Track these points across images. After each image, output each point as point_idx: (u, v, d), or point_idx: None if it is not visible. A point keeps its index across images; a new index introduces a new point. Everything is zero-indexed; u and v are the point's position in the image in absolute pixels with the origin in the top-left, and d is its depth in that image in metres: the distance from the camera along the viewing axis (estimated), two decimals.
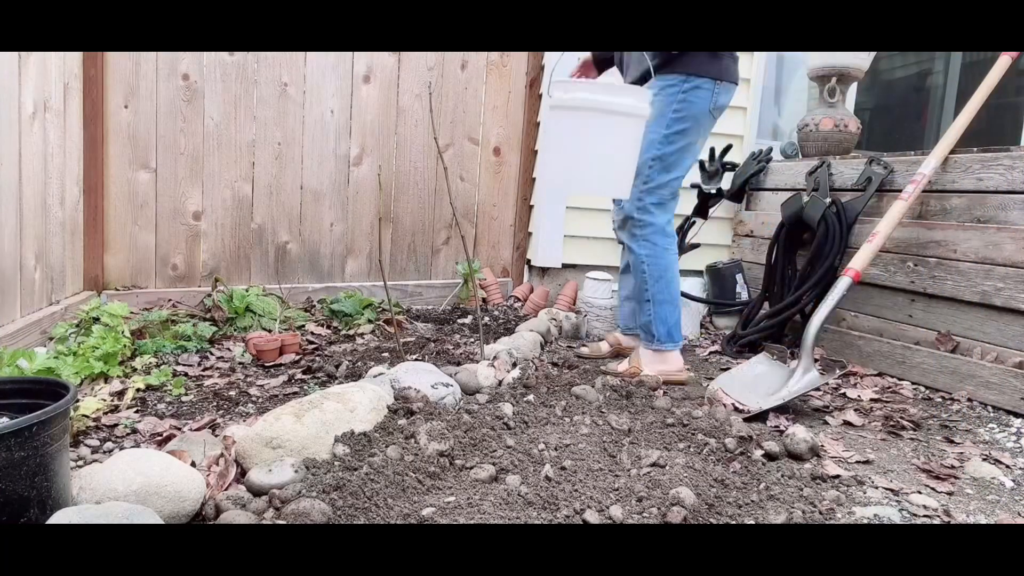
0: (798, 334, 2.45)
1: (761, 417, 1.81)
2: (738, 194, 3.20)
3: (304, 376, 2.11)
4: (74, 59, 2.51)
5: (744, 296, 3.02)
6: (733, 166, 3.25)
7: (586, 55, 2.14)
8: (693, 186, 3.04)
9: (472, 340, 2.50)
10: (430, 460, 1.36)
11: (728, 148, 3.18)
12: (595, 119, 1.78)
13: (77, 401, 1.66)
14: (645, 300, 2.12)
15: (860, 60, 2.94)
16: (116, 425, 1.64)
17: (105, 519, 1.02)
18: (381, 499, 1.20)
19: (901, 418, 1.85)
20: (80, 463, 1.43)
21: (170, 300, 2.82)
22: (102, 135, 2.69)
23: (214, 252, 2.94)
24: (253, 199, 2.96)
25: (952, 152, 2.25)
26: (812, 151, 3.01)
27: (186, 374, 2.08)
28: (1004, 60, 2.37)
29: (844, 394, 2.08)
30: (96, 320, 2.21)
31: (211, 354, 2.30)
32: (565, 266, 3.23)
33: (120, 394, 1.84)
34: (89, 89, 2.61)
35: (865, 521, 1.27)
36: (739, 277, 3.02)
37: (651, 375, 2.07)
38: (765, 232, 3.04)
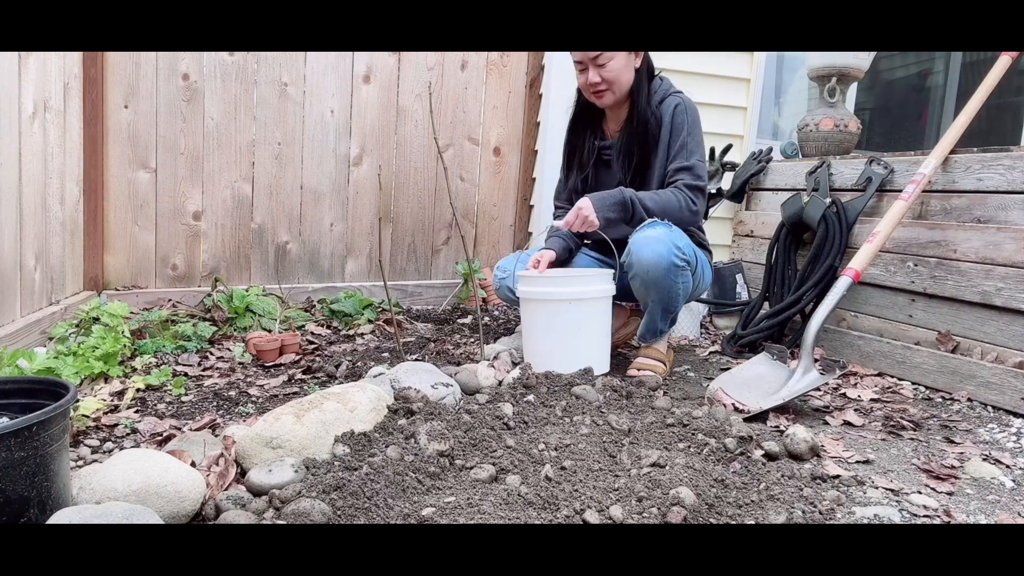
0: (798, 334, 2.45)
1: (761, 417, 1.81)
2: (738, 194, 3.21)
3: (304, 376, 2.11)
4: (74, 59, 2.51)
5: (744, 296, 3.02)
6: (733, 166, 3.25)
7: (550, 255, 2.22)
8: None
9: (472, 340, 2.50)
10: (430, 460, 1.36)
11: (728, 148, 3.18)
12: (563, 308, 1.98)
13: (77, 401, 1.66)
14: (670, 313, 2.13)
15: (860, 60, 2.94)
16: (116, 425, 1.64)
17: (105, 519, 1.02)
18: (381, 499, 1.20)
19: (901, 418, 1.85)
20: (80, 463, 1.43)
21: (170, 300, 2.82)
22: (102, 135, 2.69)
23: (214, 252, 2.94)
24: (253, 199, 2.96)
25: (952, 152, 2.25)
26: (812, 151, 3.01)
27: (186, 374, 2.08)
28: (1004, 60, 2.37)
29: (844, 394, 2.08)
30: (96, 320, 2.21)
31: (211, 354, 2.30)
32: None
33: (120, 394, 1.84)
34: (89, 89, 2.61)
35: (865, 521, 1.27)
36: (739, 277, 3.02)
37: (652, 375, 2.08)
38: (765, 232, 3.04)
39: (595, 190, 2.26)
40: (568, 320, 1.99)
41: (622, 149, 2.23)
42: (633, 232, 2.07)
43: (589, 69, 2.09)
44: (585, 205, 2.04)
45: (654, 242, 1.98)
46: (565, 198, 2.41)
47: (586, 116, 2.31)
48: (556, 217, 2.43)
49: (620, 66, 2.10)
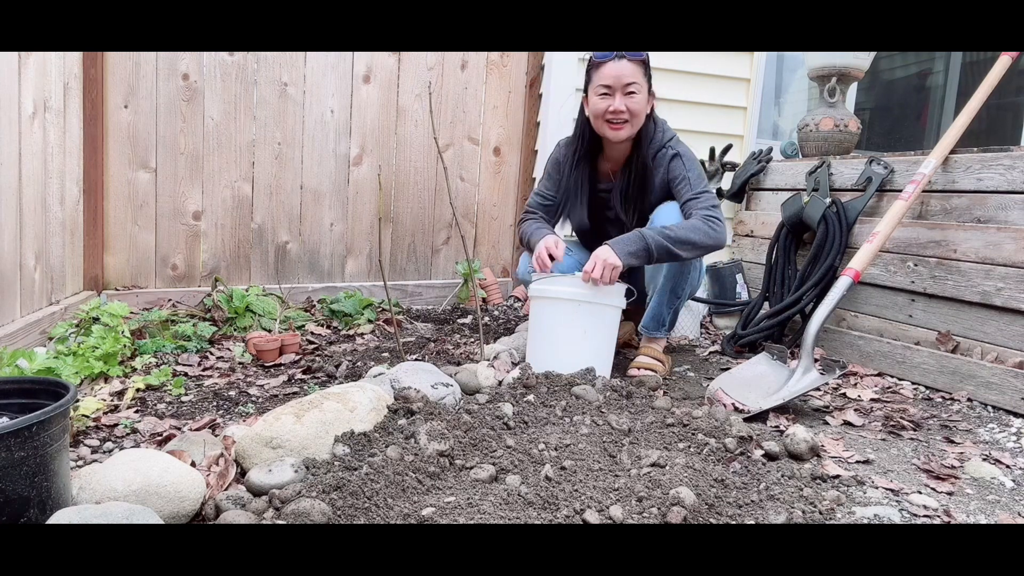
0: (798, 334, 2.45)
1: (761, 417, 1.81)
2: (738, 194, 3.21)
3: (304, 376, 2.11)
4: (74, 59, 2.51)
5: (744, 296, 3.02)
6: (733, 166, 3.25)
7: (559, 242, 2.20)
8: None
9: (472, 340, 2.50)
10: (430, 460, 1.36)
11: (728, 148, 3.18)
12: (574, 309, 2.00)
13: (77, 401, 1.66)
14: (677, 298, 2.19)
15: (860, 60, 2.94)
16: (116, 425, 1.64)
17: (105, 519, 1.02)
18: (381, 499, 1.20)
19: (901, 418, 1.85)
20: (80, 463, 1.43)
21: (170, 300, 2.82)
22: (102, 135, 2.69)
23: (214, 252, 2.94)
24: (253, 199, 2.96)
25: (952, 152, 2.25)
26: (812, 151, 3.01)
27: (186, 374, 2.08)
28: (1004, 60, 2.37)
29: (844, 394, 2.08)
30: (96, 320, 2.21)
31: (211, 354, 2.30)
32: None
33: (120, 394, 1.84)
34: (89, 89, 2.61)
35: (865, 521, 1.27)
36: (739, 277, 3.02)
37: (651, 374, 2.08)
38: (765, 232, 3.04)
39: (593, 229, 2.30)
40: (577, 322, 2.00)
41: (623, 191, 2.22)
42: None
43: (616, 95, 2.05)
44: (606, 253, 1.97)
45: (676, 214, 2.09)
46: (542, 214, 2.35)
47: (586, 153, 2.26)
48: (525, 220, 2.37)
49: (643, 101, 2.09)
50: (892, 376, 2.27)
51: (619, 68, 2.04)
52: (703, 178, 2.15)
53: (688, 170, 2.13)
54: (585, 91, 2.16)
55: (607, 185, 2.27)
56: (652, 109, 2.17)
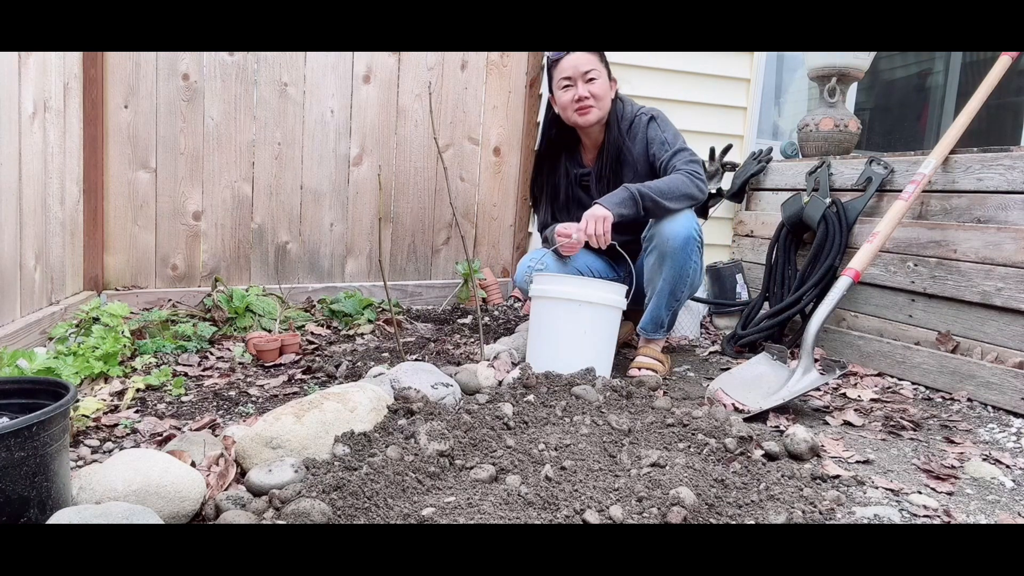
0: (798, 334, 2.45)
1: (761, 417, 1.81)
2: (738, 194, 3.21)
3: (304, 376, 2.11)
4: (74, 59, 2.51)
5: (744, 296, 3.02)
6: (733, 166, 3.25)
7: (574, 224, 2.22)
8: None
9: (472, 340, 2.50)
10: (430, 460, 1.36)
11: (728, 148, 3.18)
12: (575, 309, 2.00)
13: (77, 401, 1.66)
14: (676, 300, 2.18)
15: (860, 60, 2.94)
16: (116, 425, 1.64)
17: (105, 519, 1.02)
18: (381, 499, 1.20)
19: (901, 418, 1.85)
20: (80, 463, 1.43)
21: (170, 300, 2.82)
22: (102, 135, 2.69)
23: (214, 252, 2.93)
24: (253, 199, 2.96)
25: (952, 152, 2.25)
26: (812, 151, 3.01)
27: (186, 374, 2.08)
28: (1004, 60, 2.37)
29: (844, 394, 2.08)
30: (96, 320, 2.21)
31: (211, 354, 2.30)
32: None
33: (120, 394, 1.84)
34: (89, 89, 2.61)
35: (865, 521, 1.27)
36: (739, 277, 3.02)
37: (651, 374, 2.08)
38: (765, 232, 3.04)
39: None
40: (578, 322, 2.00)
41: (598, 174, 2.29)
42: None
43: (578, 84, 2.16)
44: (595, 209, 2.05)
45: (680, 216, 2.09)
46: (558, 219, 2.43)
47: (560, 145, 2.36)
48: (544, 231, 2.46)
49: (605, 85, 2.19)
50: (892, 376, 2.27)
51: (575, 59, 2.15)
52: (679, 136, 2.22)
53: (663, 131, 2.21)
54: (550, 91, 2.27)
55: (588, 170, 2.34)
56: (616, 93, 2.27)
